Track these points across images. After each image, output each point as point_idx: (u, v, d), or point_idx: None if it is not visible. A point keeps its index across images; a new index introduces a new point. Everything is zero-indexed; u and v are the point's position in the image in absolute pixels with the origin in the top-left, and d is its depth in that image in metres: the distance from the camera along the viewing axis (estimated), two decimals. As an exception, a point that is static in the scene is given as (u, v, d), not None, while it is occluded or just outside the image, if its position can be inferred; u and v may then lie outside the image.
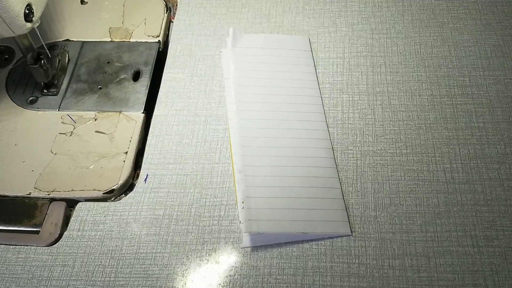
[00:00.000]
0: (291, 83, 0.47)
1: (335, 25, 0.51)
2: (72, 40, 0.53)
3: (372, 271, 0.37)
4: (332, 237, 0.39)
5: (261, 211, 0.39)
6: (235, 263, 0.39)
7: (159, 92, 0.48)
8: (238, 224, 0.40)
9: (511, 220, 0.39)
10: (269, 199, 0.40)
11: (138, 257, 0.39)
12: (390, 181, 0.42)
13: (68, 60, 0.51)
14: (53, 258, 0.40)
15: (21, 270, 0.40)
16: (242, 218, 0.39)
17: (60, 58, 0.51)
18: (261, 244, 0.39)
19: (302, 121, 0.45)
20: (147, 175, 0.44)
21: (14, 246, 0.41)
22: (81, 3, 0.56)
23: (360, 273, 0.37)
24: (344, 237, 0.39)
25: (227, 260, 0.39)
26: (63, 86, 0.49)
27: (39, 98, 0.49)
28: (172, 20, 0.55)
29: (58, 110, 0.48)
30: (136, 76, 0.50)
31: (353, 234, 0.39)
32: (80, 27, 0.54)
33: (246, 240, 0.39)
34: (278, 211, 0.40)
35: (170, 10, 0.55)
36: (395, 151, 0.43)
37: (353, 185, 0.41)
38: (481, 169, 0.42)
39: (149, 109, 0.48)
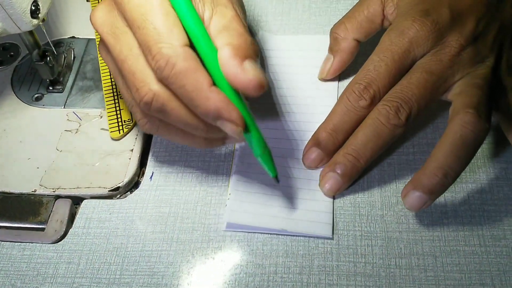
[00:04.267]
0: (310, 85, 0.47)
1: (341, 23, 0.51)
2: (78, 38, 0.53)
3: (379, 270, 0.37)
4: (312, 236, 0.39)
5: (246, 204, 0.40)
6: (241, 261, 0.38)
7: (164, 90, 0.48)
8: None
9: (519, 219, 0.39)
10: (256, 195, 0.41)
11: (144, 255, 0.39)
12: (397, 180, 0.41)
13: (74, 57, 0.51)
14: (58, 255, 0.40)
15: (26, 267, 0.40)
16: (227, 208, 0.41)
17: (65, 55, 0.51)
18: (240, 229, 0.40)
19: (306, 122, 0.45)
20: (152, 173, 0.44)
21: (19, 243, 0.41)
22: (87, 1, 0.56)
23: (367, 272, 0.37)
24: (351, 236, 0.39)
25: (232, 258, 0.39)
26: (69, 83, 0.49)
27: (44, 95, 0.49)
28: (178, 17, 0.54)
29: (64, 107, 0.48)
30: (142, 74, 0.50)
31: (333, 237, 0.39)
32: (86, 25, 0.54)
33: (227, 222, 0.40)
34: (263, 206, 0.40)
35: (176, 8, 0.55)
36: (402, 150, 0.43)
37: (360, 183, 0.41)
38: (489, 168, 0.41)
39: (154, 107, 0.47)
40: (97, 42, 0.49)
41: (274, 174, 0.37)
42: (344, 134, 0.40)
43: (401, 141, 0.43)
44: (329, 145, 0.40)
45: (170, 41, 0.32)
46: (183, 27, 0.33)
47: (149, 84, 0.33)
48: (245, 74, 0.32)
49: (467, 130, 0.36)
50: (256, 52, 0.34)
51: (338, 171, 0.39)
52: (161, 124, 0.36)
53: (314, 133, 0.41)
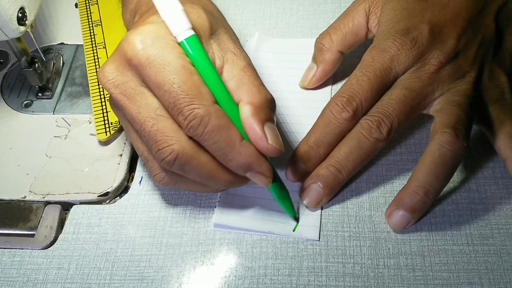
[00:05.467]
0: (301, 89, 0.48)
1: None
2: (67, 44, 0.53)
3: (367, 271, 0.37)
4: (299, 239, 0.39)
5: (234, 207, 0.41)
6: (230, 264, 0.39)
7: (153, 95, 0.48)
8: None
9: (506, 218, 0.39)
10: (245, 197, 0.41)
11: (133, 260, 0.39)
12: (384, 180, 0.42)
13: (63, 63, 0.52)
14: (48, 261, 0.40)
15: (16, 273, 0.40)
16: (216, 209, 0.41)
17: (54, 62, 0.51)
18: (228, 229, 0.40)
19: (297, 124, 0.45)
20: (141, 178, 0.44)
21: (9, 250, 0.41)
22: (76, 7, 0.57)
23: (355, 272, 0.37)
24: (339, 237, 0.39)
25: (222, 261, 0.39)
26: (58, 90, 0.50)
27: (33, 102, 0.49)
28: (167, 22, 0.55)
29: (53, 114, 0.48)
30: (131, 79, 0.50)
31: (322, 239, 0.39)
32: (75, 31, 0.54)
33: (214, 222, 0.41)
34: (251, 209, 0.40)
35: (165, 13, 0.55)
36: (389, 150, 0.43)
37: (348, 184, 0.41)
38: (476, 167, 0.42)
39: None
40: (89, 74, 0.49)
41: (293, 215, 0.39)
42: (326, 147, 0.40)
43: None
44: (310, 158, 0.40)
45: (200, 101, 0.32)
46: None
47: (172, 145, 0.33)
48: (265, 140, 0.34)
49: (445, 149, 0.37)
50: (273, 109, 0.36)
51: (320, 183, 0.39)
52: (180, 178, 0.36)
53: (297, 147, 0.41)
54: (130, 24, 0.41)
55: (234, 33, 0.39)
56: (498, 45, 0.41)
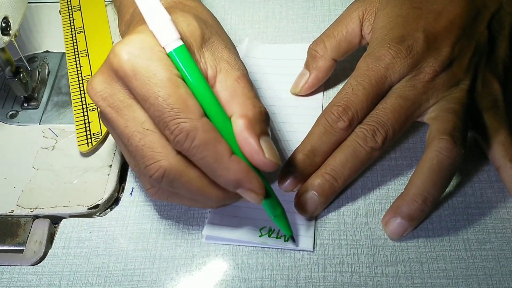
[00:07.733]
0: (293, 96, 0.47)
1: (319, 29, 0.51)
2: (52, 52, 0.52)
3: (366, 279, 0.37)
4: (293, 250, 0.39)
5: (226, 217, 0.40)
6: (226, 276, 0.38)
7: (142, 103, 0.47)
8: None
9: (503, 222, 0.39)
10: (238, 208, 0.40)
11: (126, 274, 0.38)
12: (380, 186, 0.41)
13: (48, 72, 0.50)
14: (38, 278, 0.39)
15: (5, 291, 0.39)
16: (207, 221, 0.40)
17: (39, 71, 0.50)
18: (220, 241, 0.39)
19: (290, 132, 0.44)
20: (132, 188, 0.43)
21: (-3, 267, 0.40)
22: (60, 14, 0.55)
23: (354, 281, 0.37)
24: (336, 245, 0.38)
25: (217, 273, 0.38)
26: (44, 99, 0.48)
27: (19, 112, 0.48)
28: (154, 28, 0.54)
29: (39, 124, 0.47)
30: (119, 87, 0.49)
31: (319, 247, 0.38)
32: (60, 38, 0.53)
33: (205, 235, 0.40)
34: (242, 220, 0.40)
35: (152, 18, 0.54)
36: (383, 156, 0.43)
37: (343, 191, 0.41)
38: (471, 171, 0.41)
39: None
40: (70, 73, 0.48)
41: (289, 233, 0.38)
42: (322, 156, 0.39)
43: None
44: (306, 167, 0.39)
45: (187, 115, 0.31)
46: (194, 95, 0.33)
47: (159, 161, 0.32)
48: (262, 154, 0.32)
49: (443, 156, 0.37)
50: (268, 122, 0.34)
51: (316, 191, 0.39)
52: (172, 193, 0.35)
53: (291, 155, 0.40)
54: (125, 35, 0.40)
55: (231, 41, 0.38)
56: (490, 53, 0.41)
